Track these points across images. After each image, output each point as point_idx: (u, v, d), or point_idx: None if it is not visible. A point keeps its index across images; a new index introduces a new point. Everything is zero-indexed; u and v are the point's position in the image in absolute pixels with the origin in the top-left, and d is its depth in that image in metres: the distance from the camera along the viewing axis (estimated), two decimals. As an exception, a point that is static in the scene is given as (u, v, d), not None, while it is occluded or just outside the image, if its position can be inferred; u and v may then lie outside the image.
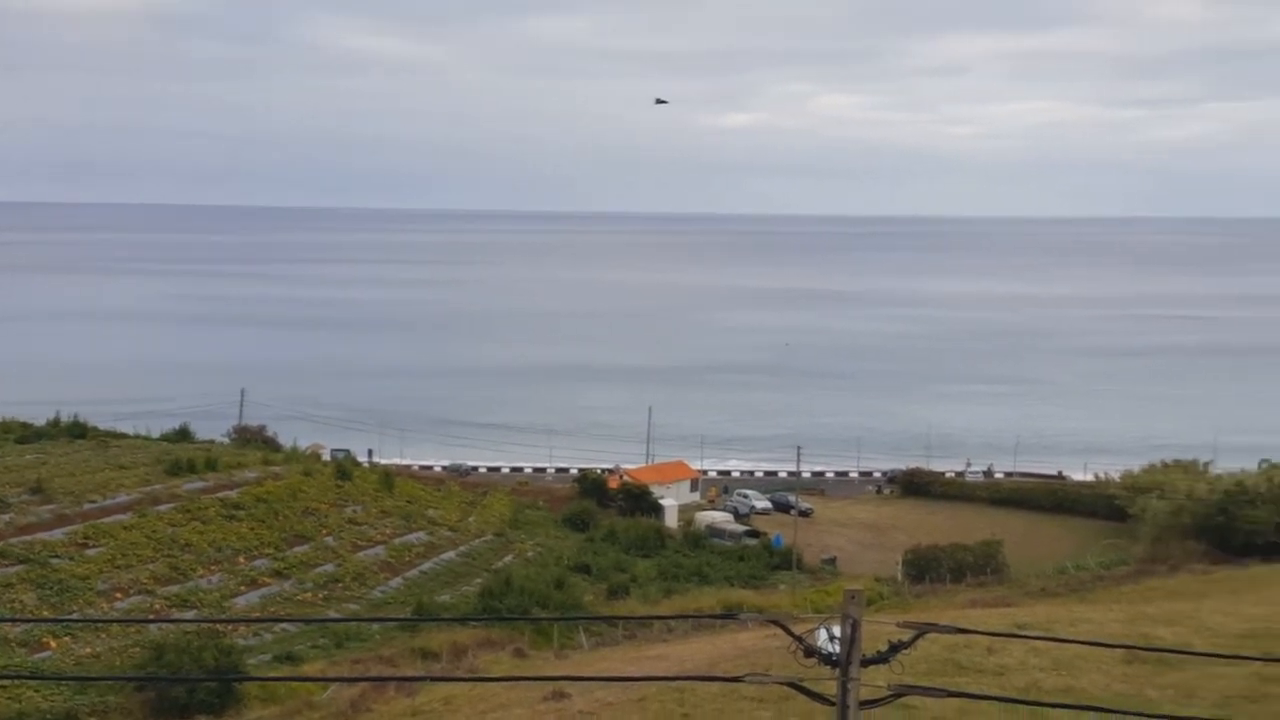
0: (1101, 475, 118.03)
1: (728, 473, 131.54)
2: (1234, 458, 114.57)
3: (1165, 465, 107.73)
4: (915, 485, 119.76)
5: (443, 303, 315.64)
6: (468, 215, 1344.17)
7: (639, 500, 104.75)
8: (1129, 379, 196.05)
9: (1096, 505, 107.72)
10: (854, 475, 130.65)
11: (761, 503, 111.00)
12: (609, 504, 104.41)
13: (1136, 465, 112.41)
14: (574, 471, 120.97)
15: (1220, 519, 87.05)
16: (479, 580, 76.99)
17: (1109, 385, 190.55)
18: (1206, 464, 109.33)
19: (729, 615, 16.97)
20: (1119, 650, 38.67)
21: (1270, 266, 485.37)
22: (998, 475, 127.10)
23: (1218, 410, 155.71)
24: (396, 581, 75.52)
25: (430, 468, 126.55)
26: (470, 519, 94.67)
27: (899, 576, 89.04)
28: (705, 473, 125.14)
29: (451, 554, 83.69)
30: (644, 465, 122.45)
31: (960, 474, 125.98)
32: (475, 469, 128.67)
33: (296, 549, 76.44)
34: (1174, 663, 38.50)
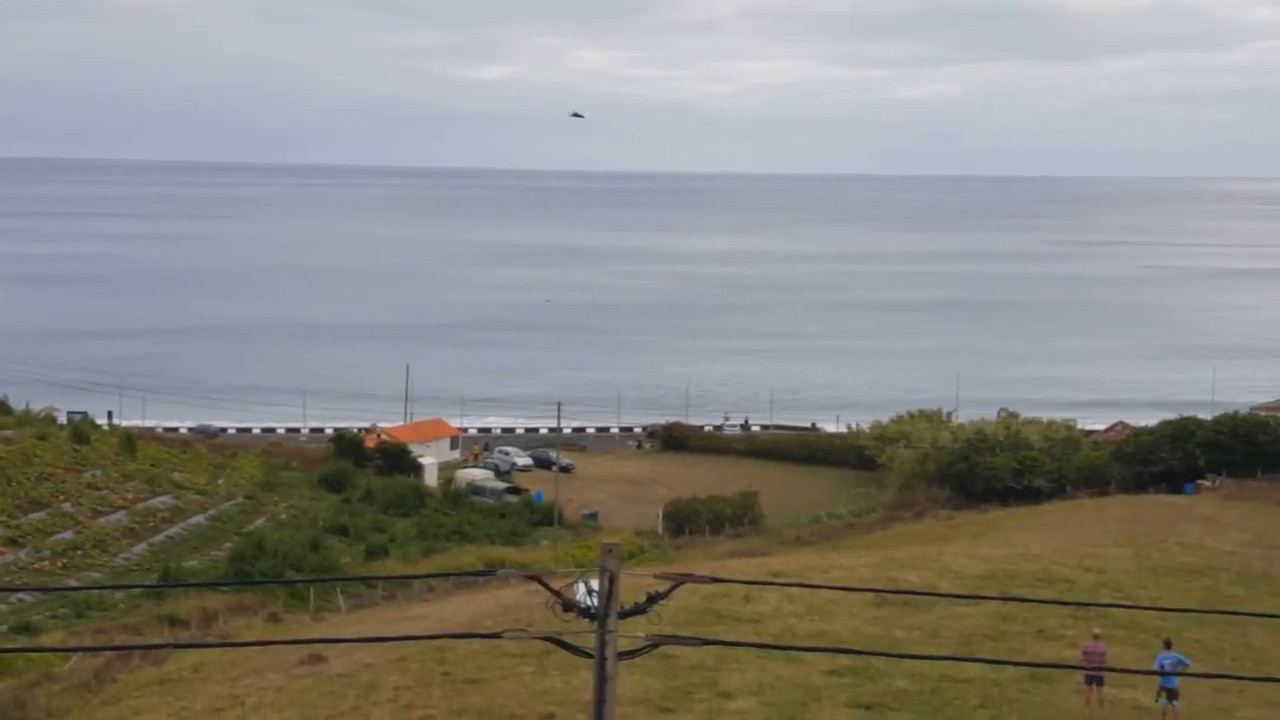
0: (852, 426, 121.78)
1: (488, 430, 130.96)
2: (974, 408, 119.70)
3: (911, 416, 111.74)
4: (674, 439, 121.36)
5: (183, 258, 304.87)
6: (206, 168, 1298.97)
7: (397, 459, 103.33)
8: (876, 333, 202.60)
9: (847, 455, 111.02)
10: (614, 431, 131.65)
11: (523, 459, 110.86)
12: (366, 464, 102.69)
13: (885, 416, 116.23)
14: (329, 431, 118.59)
15: (962, 466, 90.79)
16: (229, 544, 75.00)
17: (858, 339, 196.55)
18: (949, 414, 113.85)
19: (488, 572, 16.65)
20: (869, 594, 39.79)
21: (1006, 223, 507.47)
22: (754, 428, 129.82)
23: (959, 362, 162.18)
24: (141, 548, 72.82)
25: (175, 430, 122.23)
26: (219, 482, 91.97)
27: (659, 529, 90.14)
28: (465, 430, 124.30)
29: (200, 518, 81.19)
30: (402, 424, 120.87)
31: (718, 428, 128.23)
32: (223, 430, 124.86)
33: (31, 516, 73.02)
34: (920, 604, 39.83)
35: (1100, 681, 30.57)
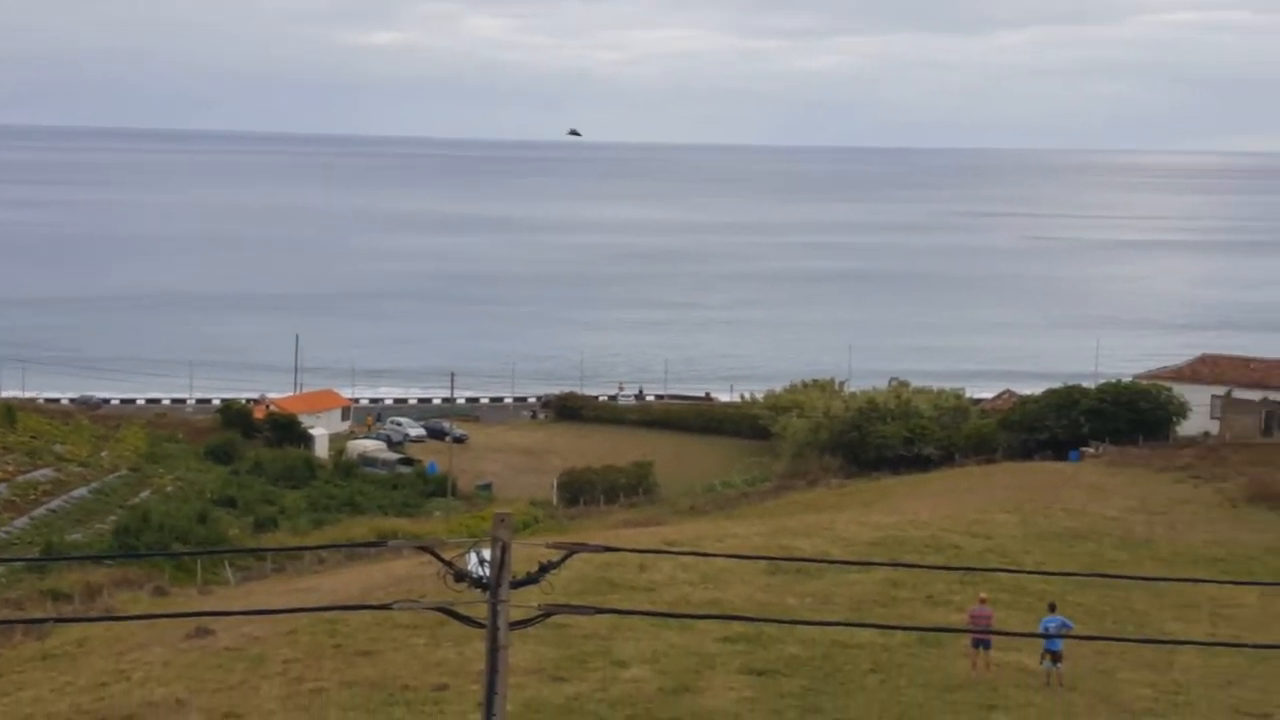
0: (746, 396, 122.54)
1: (380, 401, 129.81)
2: (866, 377, 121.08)
3: (804, 385, 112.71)
4: (569, 409, 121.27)
5: (60, 226, 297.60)
6: (89, 133, 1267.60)
7: (287, 430, 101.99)
8: (771, 303, 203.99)
9: (741, 425, 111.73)
10: (509, 401, 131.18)
11: (415, 430, 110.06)
12: (255, 435, 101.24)
13: (778, 386, 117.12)
14: (216, 402, 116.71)
15: (854, 435, 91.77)
16: (114, 517, 73.60)
17: (753, 309, 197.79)
18: (842, 383, 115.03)
19: (379, 544, 16.49)
20: (762, 562, 40.10)
21: (900, 195, 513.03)
22: (649, 398, 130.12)
23: (851, 332, 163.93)
24: (22, 521, 71.11)
25: (57, 401, 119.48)
26: (103, 454, 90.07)
27: (554, 500, 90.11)
28: (357, 401, 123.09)
29: (83, 491, 79.47)
30: (292, 395, 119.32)
31: (613, 398, 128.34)
32: (107, 401, 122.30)
33: (-93, 490, 70.91)
34: (812, 572, 40.22)
35: (987, 645, 31.10)
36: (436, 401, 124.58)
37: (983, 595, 32.79)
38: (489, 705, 12.71)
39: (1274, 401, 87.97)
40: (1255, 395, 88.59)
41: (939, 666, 31.54)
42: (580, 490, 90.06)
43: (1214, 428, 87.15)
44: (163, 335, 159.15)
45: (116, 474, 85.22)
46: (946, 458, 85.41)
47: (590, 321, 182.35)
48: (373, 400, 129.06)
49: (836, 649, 32.17)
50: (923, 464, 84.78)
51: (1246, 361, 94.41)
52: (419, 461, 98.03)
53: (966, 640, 31.60)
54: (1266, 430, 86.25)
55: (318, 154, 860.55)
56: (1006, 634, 32.74)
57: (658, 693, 28.32)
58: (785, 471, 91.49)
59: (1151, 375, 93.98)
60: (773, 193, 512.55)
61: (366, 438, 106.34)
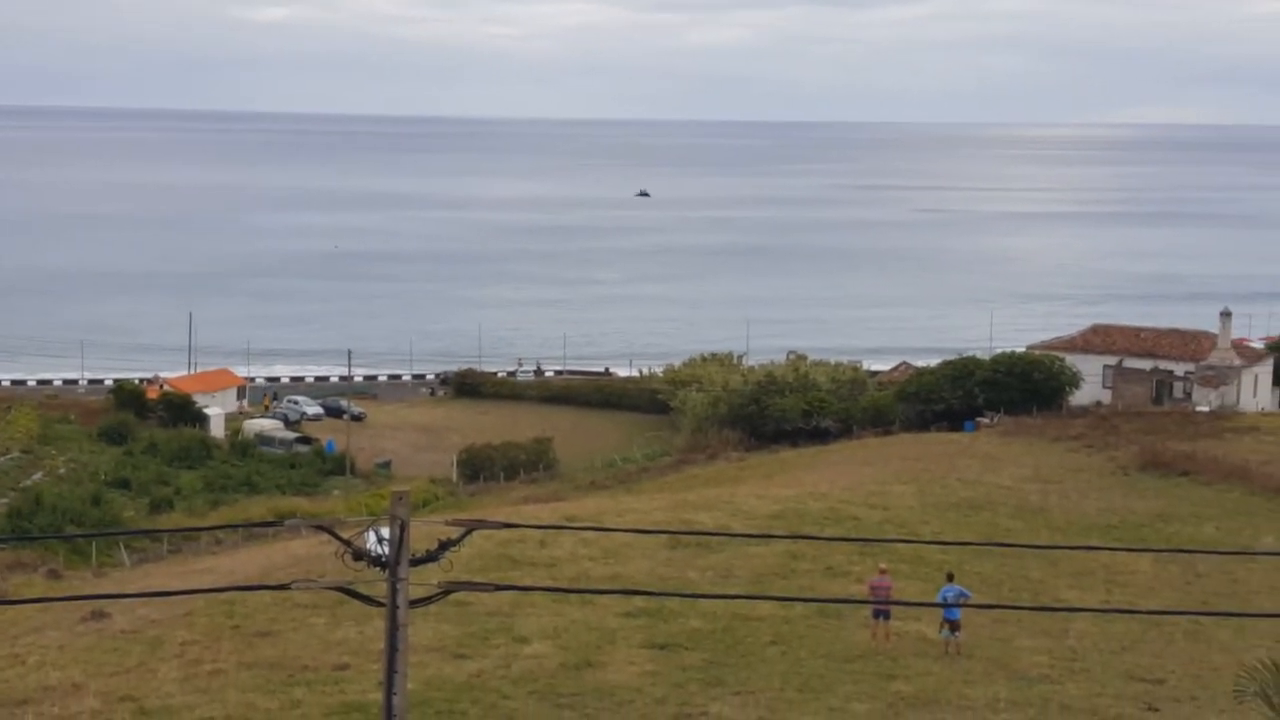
0: (645, 371, 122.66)
1: (277, 379, 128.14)
2: (764, 351, 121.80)
3: (703, 359, 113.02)
4: (468, 386, 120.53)
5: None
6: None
7: (181, 410, 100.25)
8: (669, 278, 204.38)
9: (640, 400, 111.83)
10: (407, 378, 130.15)
11: (313, 408, 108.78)
12: (149, 415, 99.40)
13: (677, 361, 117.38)
14: (109, 383, 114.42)
15: (753, 408, 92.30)
16: (4, 500, 72.02)
17: (651, 284, 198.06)
18: (740, 357, 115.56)
19: (275, 523, 16.20)
20: (662, 536, 40.20)
21: (797, 168, 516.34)
22: (548, 374, 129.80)
23: (750, 306, 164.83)
24: (-93, 507, 69.31)
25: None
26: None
27: (454, 477, 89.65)
28: (252, 380, 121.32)
29: (-29, 474, 77.61)
30: (186, 374, 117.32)
31: (511, 374, 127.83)
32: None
33: None
34: (713, 545, 40.40)
35: (887, 615, 31.44)
36: (334, 380, 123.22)
37: (882, 566, 33.14)
38: (389, 683, 12.55)
39: (1164, 370, 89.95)
40: (1146, 364, 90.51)
41: (839, 637, 31.84)
42: (480, 467, 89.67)
43: (1106, 397, 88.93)
44: (51, 316, 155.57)
45: (7, 456, 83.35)
46: (845, 430, 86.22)
47: (488, 298, 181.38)
48: (269, 379, 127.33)
49: (737, 621, 32.33)
50: (821, 436, 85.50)
51: (1137, 331, 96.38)
52: (317, 440, 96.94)
53: (867, 611, 31.93)
54: (1157, 399, 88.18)
55: (203, 130, 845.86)
56: (905, 604, 33.13)
57: (559, 668, 28.27)
58: (685, 446, 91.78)
59: (1044, 346, 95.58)
60: (672, 167, 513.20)
61: (263, 417, 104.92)
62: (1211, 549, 43.86)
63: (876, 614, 31.45)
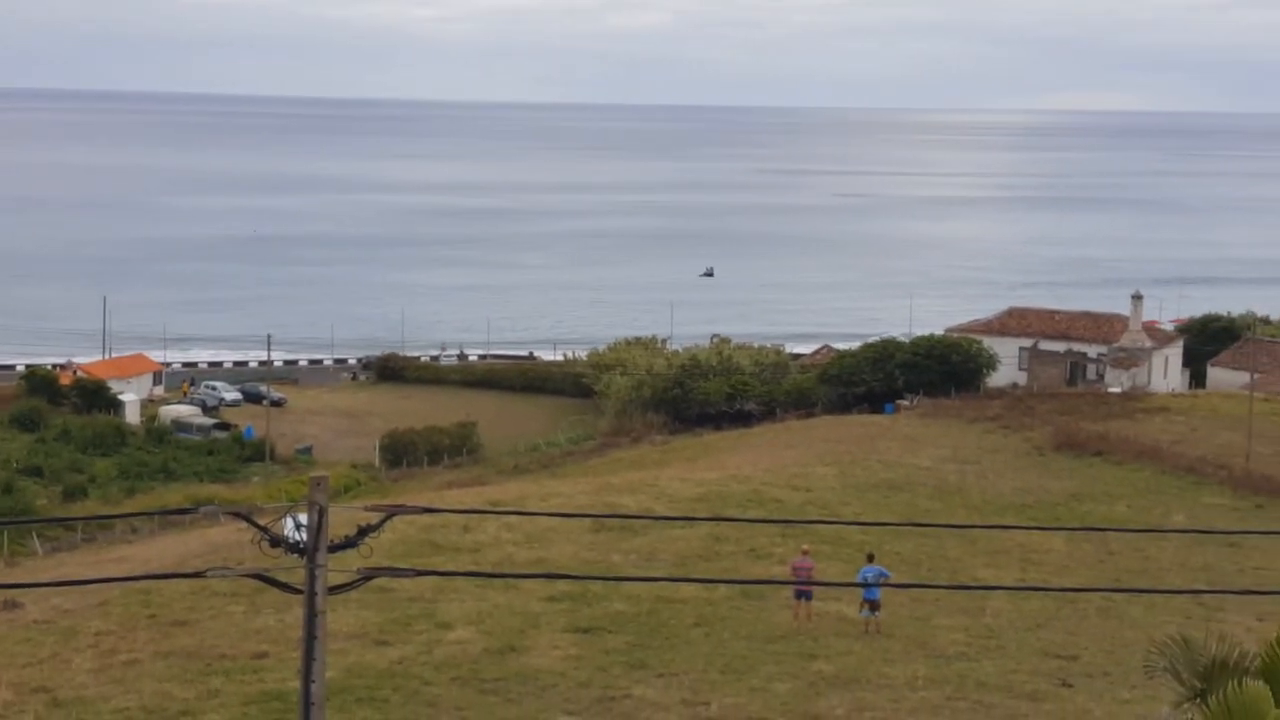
0: (569, 355, 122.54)
1: (195, 364, 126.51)
2: (688, 335, 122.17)
3: (627, 343, 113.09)
4: (390, 371, 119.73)
5: None
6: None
7: (95, 396, 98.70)
8: (594, 262, 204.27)
9: (565, 384, 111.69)
10: (328, 363, 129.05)
11: (231, 394, 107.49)
12: (62, 402, 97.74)
13: (602, 345, 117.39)
14: (20, 368, 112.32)
15: (677, 392, 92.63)
16: (-87, 490, 70.50)
17: (576, 268, 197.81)
18: (664, 341, 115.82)
19: (190, 510, 15.99)
20: (587, 520, 40.22)
21: (720, 152, 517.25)
22: (471, 358, 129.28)
23: (673, 290, 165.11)
24: None
25: None
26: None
27: (376, 462, 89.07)
28: (169, 365, 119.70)
29: (-121, 463, 75.96)
30: (100, 359, 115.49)
31: (435, 358, 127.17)
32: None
33: None
34: (637, 528, 40.49)
35: (809, 596, 31.69)
36: (253, 365, 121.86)
37: (805, 547, 33.39)
38: (307, 671, 12.45)
39: (1078, 353, 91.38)
40: (1060, 347, 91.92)
41: (761, 619, 32.05)
42: (403, 452, 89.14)
43: (1022, 379, 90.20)
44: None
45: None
46: (768, 413, 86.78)
47: (411, 282, 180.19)
48: (186, 364, 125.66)
49: (661, 604, 32.44)
50: (744, 419, 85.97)
51: (1052, 314, 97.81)
52: (235, 426, 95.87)
53: (788, 592, 32.16)
54: (1071, 380, 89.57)
55: (123, 112, 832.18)
56: (826, 584, 33.43)
57: (483, 653, 28.21)
58: (609, 429, 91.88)
59: (962, 329, 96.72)
60: (593, 151, 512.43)
61: (180, 403, 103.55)
62: (1123, 527, 44.67)
63: (798, 594, 31.69)
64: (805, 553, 32.67)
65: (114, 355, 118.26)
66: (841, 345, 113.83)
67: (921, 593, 34.20)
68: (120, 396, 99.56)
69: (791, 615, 31.78)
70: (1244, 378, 74.22)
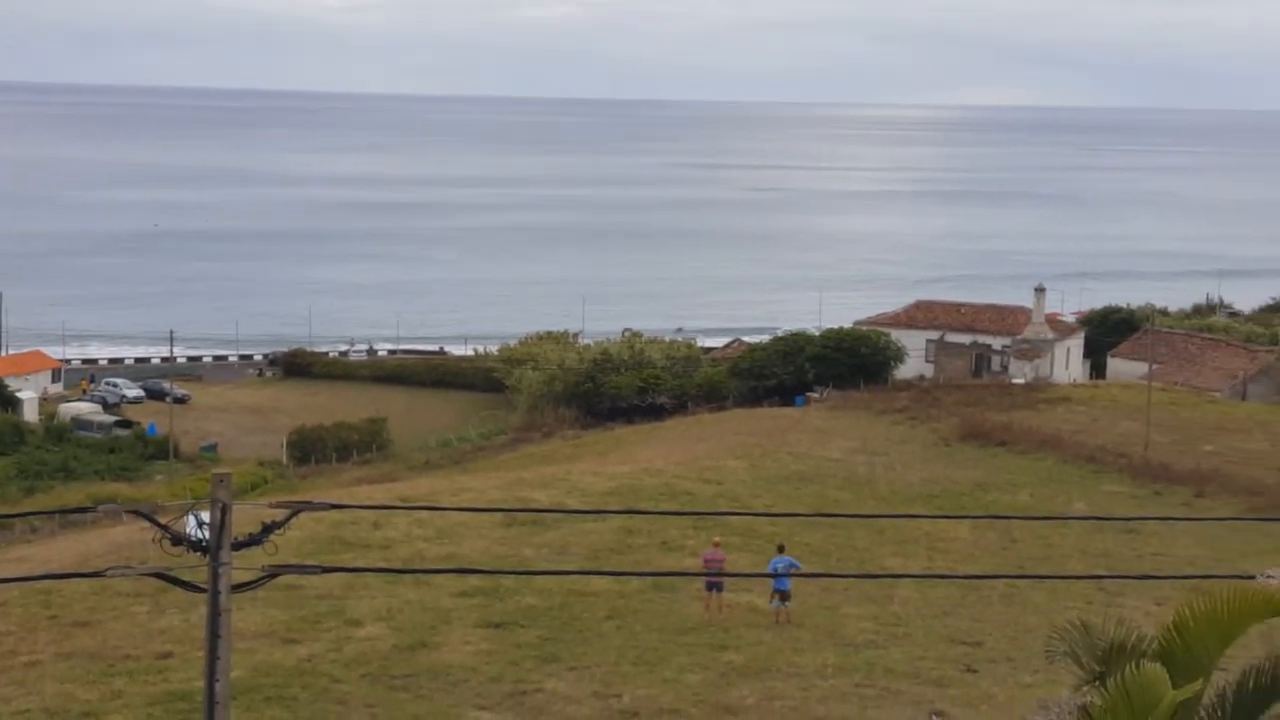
0: (480, 349, 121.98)
1: (95, 361, 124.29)
2: (599, 330, 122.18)
3: (539, 337, 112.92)
4: (297, 366, 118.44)
5: None
6: None
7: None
8: (503, 256, 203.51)
9: (475, 379, 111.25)
10: (233, 359, 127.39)
11: (133, 391, 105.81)
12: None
13: (513, 339, 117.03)
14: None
15: (588, 386, 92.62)
16: None
17: (486, 263, 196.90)
18: (575, 335, 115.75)
19: (89, 509, 15.71)
20: (498, 515, 40.08)
21: (632, 147, 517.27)
22: (380, 353, 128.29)
23: (584, 285, 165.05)
24: None
25: None
26: None
27: (284, 459, 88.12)
28: (68, 362, 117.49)
29: None
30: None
31: (343, 353, 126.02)
32: None
33: None
34: (548, 523, 40.42)
35: (720, 587, 31.85)
36: (155, 361, 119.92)
37: (715, 539, 33.54)
38: (210, 670, 12.29)
39: (983, 345, 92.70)
40: (966, 339, 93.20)
41: (673, 610, 32.16)
42: (311, 449, 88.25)
43: (928, 371, 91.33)
44: None
45: None
46: (679, 406, 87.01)
47: (318, 277, 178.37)
48: (86, 361, 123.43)
49: (573, 598, 32.43)
50: (656, 413, 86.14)
51: (957, 307, 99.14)
52: (137, 423, 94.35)
53: (701, 584, 32.30)
54: (976, 372, 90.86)
55: (14, 104, 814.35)
56: (737, 575, 33.60)
57: (393, 650, 28.03)
58: (520, 424, 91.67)
59: (871, 321, 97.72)
60: (505, 146, 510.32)
61: (80, 400, 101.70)
62: (1026, 515, 45.39)
63: (710, 586, 31.84)
64: (716, 545, 32.83)
65: (10, 352, 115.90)
66: (752, 339, 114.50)
67: (831, 582, 34.51)
68: (18, 394, 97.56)
69: (703, 607, 31.92)
70: (1143, 368, 75.69)
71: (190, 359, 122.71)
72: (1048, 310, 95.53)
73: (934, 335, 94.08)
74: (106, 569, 13.33)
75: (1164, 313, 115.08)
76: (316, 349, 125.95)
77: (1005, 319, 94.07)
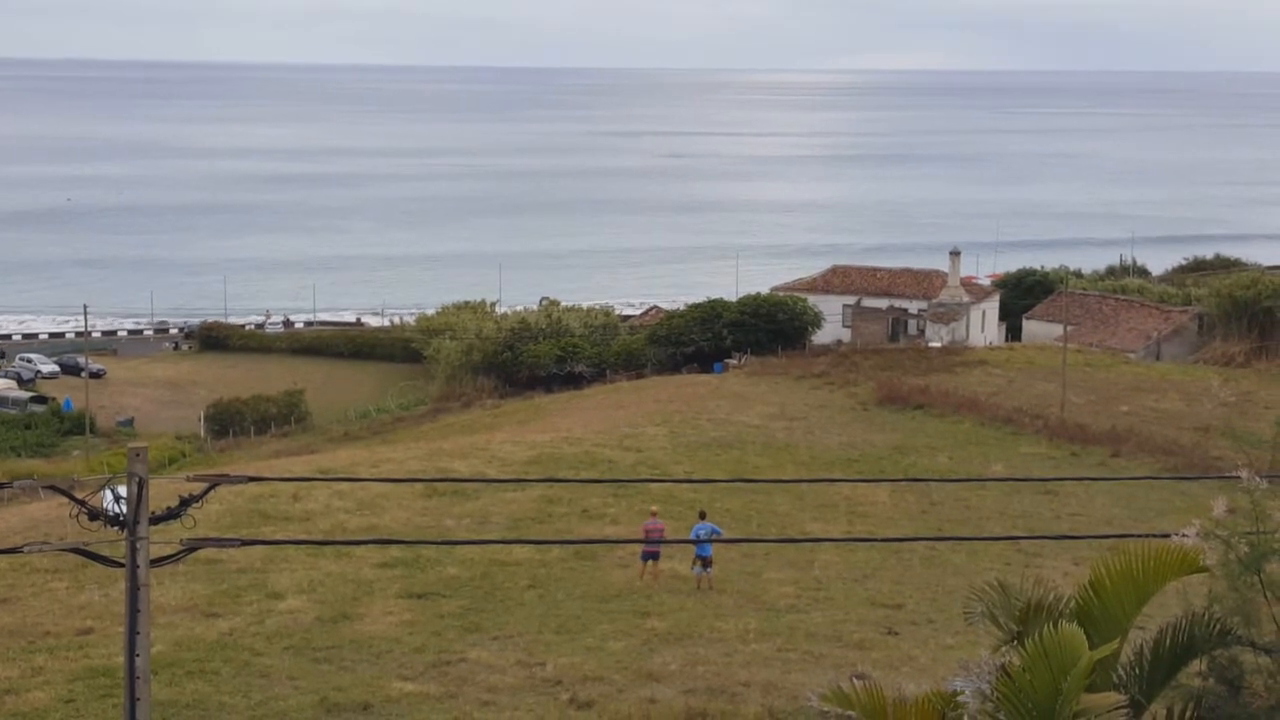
0: (397, 320, 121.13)
1: (7, 337, 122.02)
2: (517, 298, 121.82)
3: (456, 307, 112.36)
4: (214, 339, 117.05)
5: None
6: None
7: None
8: (418, 226, 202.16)
9: (393, 349, 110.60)
10: (149, 332, 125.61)
11: (48, 366, 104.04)
12: None
13: (430, 309, 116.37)
14: None
15: (507, 355, 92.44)
16: None
17: (403, 233, 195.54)
18: (493, 304, 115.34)
19: (4, 485, 15.50)
20: (419, 485, 40.00)
21: (547, 114, 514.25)
22: (297, 325, 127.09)
23: (502, 254, 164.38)
24: None
25: None
26: None
27: (202, 433, 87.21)
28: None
29: None
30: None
31: (260, 326, 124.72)
32: None
33: None
34: (469, 492, 40.43)
35: (656, 557, 32.08)
36: (70, 335, 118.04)
37: (653, 509, 33.70)
38: (130, 645, 12.21)
39: (899, 309, 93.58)
40: (882, 304, 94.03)
41: (595, 578, 32.31)
42: (229, 422, 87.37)
43: (846, 335, 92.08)
44: None
45: None
46: (598, 374, 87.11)
47: (233, 249, 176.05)
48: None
49: (495, 567, 32.48)
50: (575, 381, 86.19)
51: (874, 271, 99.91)
52: (53, 399, 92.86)
53: (622, 551, 32.51)
54: (893, 336, 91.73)
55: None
56: (660, 543, 33.78)
57: (315, 622, 27.92)
58: (439, 394, 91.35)
59: (788, 287, 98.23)
60: (418, 115, 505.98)
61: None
62: (945, 478, 46.03)
63: (646, 556, 32.04)
64: (654, 514, 33.00)
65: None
66: (669, 305, 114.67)
67: (752, 548, 34.84)
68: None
69: (638, 575, 32.10)
70: (1058, 330, 76.87)
71: (105, 333, 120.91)
72: (963, 274, 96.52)
73: (850, 300, 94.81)
74: (24, 545, 13.20)
75: (1078, 275, 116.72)
76: (233, 321, 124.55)
77: (921, 283, 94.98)
